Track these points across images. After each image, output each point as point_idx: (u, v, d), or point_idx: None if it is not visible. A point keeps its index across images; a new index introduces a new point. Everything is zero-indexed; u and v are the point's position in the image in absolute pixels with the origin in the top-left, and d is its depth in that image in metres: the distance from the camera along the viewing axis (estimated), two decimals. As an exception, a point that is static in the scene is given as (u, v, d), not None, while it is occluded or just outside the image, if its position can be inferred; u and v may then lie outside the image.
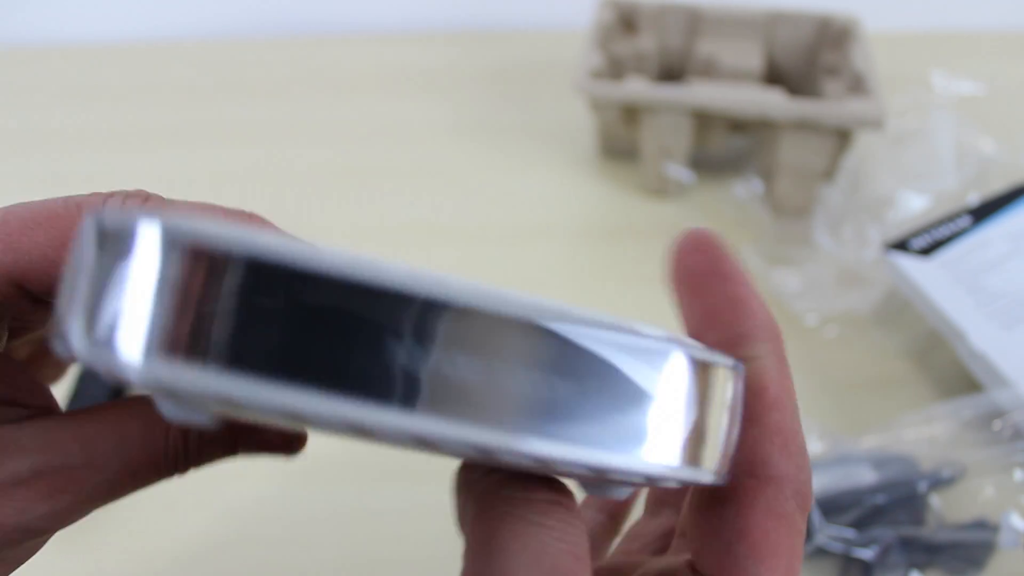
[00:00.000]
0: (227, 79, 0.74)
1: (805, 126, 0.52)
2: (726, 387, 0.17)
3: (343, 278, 0.14)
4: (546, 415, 0.15)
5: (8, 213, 0.18)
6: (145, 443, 0.19)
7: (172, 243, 0.14)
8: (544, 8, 0.80)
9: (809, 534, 0.35)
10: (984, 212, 0.47)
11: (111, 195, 0.19)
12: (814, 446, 0.38)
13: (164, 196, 0.20)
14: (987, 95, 0.66)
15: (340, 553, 0.39)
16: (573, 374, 0.15)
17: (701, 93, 0.53)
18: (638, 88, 0.54)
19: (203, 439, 0.20)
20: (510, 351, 0.15)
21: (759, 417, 0.18)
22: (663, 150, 0.56)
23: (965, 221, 0.47)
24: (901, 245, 0.46)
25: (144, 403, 0.19)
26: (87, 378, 0.41)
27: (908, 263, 0.46)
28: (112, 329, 0.14)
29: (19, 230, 0.18)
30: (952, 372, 0.45)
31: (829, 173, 0.54)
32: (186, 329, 0.13)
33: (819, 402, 0.45)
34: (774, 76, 0.62)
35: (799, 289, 0.50)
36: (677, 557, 0.19)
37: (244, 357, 0.13)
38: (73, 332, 0.14)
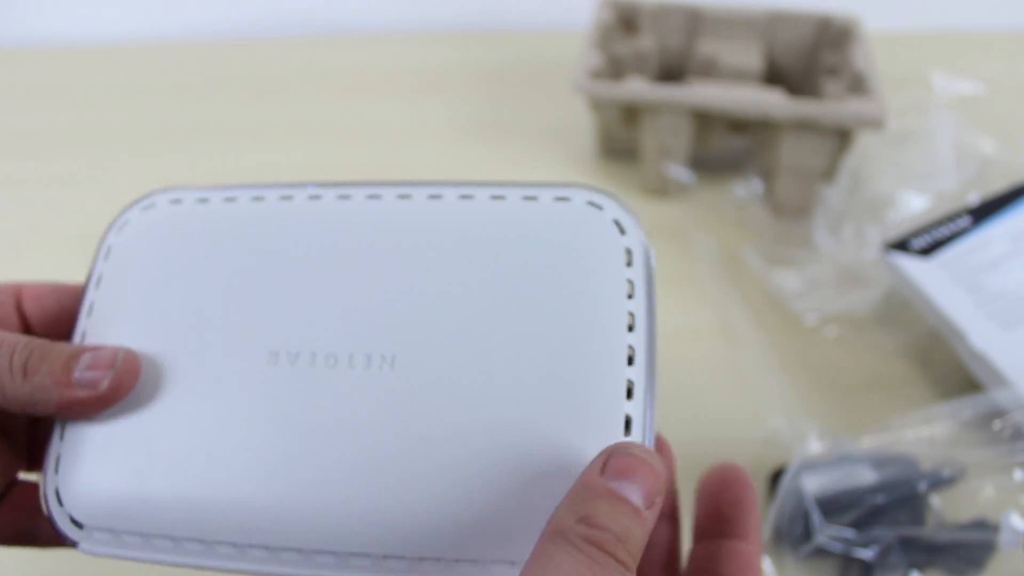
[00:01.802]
0: (227, 79, 0.74)
1: (805, 126, 0.52)
2: None
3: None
4: None
5: None
6: None
7: None
8: (544, 8, 0.80)
9: (809, 534, 0.35)
10: (984, 212, 0.47)
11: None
12: (814, 446, 0.38)
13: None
14: (987, 95, 0.66)
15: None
16: None
17: (701, 93, 0.53)
18: (638, 88, 0.54)
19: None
20: None
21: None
22: (663, 150, 0.56)
23: (965, 221, 0.47)
24: (901, 245, 0.46)
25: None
26: None
27: (908, 263, 0.46)
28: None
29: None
30: (952, 372, 0.45)
31: (829, 173, 0.54)
32: None
33: (819, 402, 0.45)
34: (774, 76, 0.62)
35: (799, 289, 0.50)
36: None
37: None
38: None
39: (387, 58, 0.76)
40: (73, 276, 0.54)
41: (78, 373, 0.22)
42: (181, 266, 0.24)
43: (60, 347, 0.22)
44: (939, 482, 0.36)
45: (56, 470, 0.22)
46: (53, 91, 0.73)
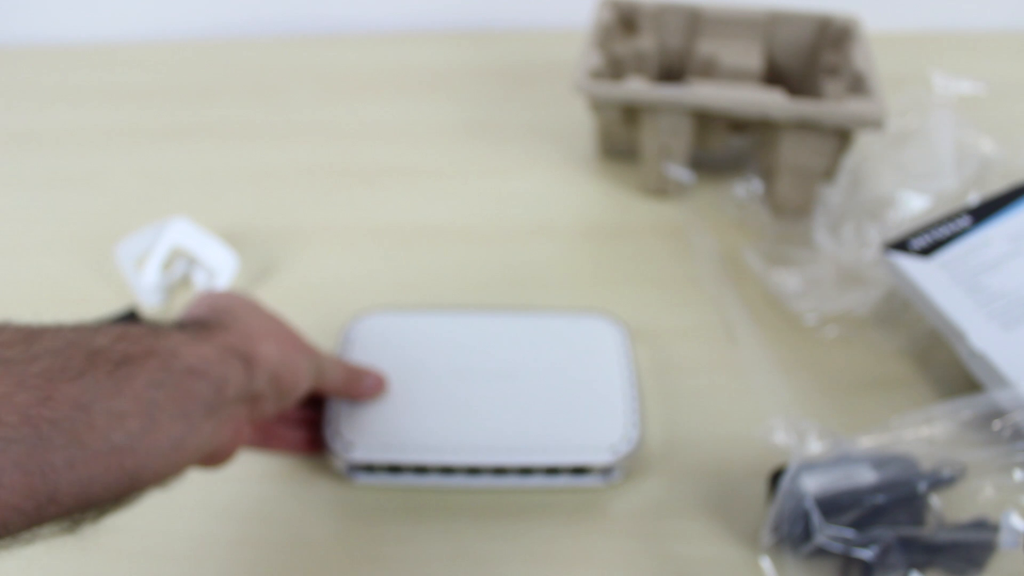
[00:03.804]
0: (227, 79, 0.74)
1: (805, 126, 0.52)
2: None
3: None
4: None
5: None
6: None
7: None
8: (544, 8, 0.80)
9: (809, 534, 0.35)
10: (984, 212, 0.47)
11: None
12: (814, 446, 0.38)
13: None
14: (987, 95, 0.66)
15: (340, 552, 0.39)
16: None
17: (701, 93, 0.53)
18: (638, 88, 0.54)
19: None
20: None
21: None
22: (663, 150, 0.56)
23: (965, 221, 0.47)
24: (901, 245, 0.46)
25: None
26: None
27: (908, 263, 0.46)
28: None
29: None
30: (952, 372, 0.45)
31: (829, 173, 0.54)
32: None
33: (819, 402, 0.45)
34: (774, 76, 0.62)
35: (799, 289, 0.50)
36: None
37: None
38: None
39: (387, 58, 0.77)
40: (72, 276, 0.54)
41: (366, 377, 0.41)
42: (397, 339, 0.45)
43: (359, 367, 0.42)
44: (939, 482, 0.36)
45: (339, 427, 0.40)
46: (53, 91, 0.73)
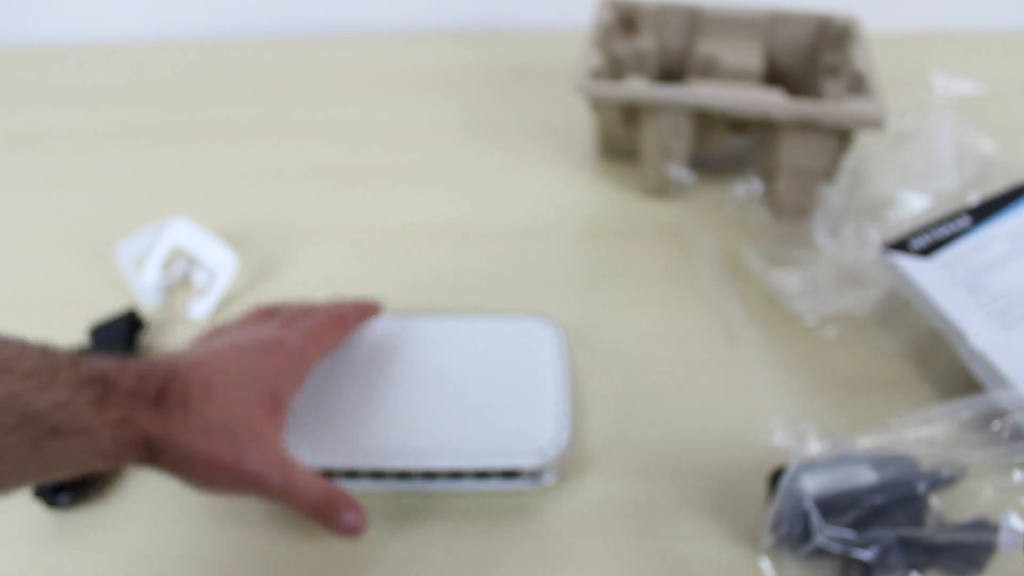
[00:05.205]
0: (227, 79, 0.74)
1: (805, 126, 0.52)
2: None
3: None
4: None
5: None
6: None
7: None
8: (544, 8, 0.80)
9: (809, 534, 0.35)
10: (984, 212, 0.47)
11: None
12: (814, 446, 0.38)
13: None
14: (987, 95, 0.66)
15: (340, 552, 0.39)
16: None
17: (701, 93, 0.53)
18: (638, 88, 0.54)
19: None
20: None
21: None
22: (663, 150, 0.56)
23: (965, 221, 0.47)
24: (901, 245, 0.46)
25: None
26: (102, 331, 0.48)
27: (908, 263, 0.46)
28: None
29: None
30: (952, 372, 0.45)
31: (829, 173, 0.54)
32: None
33: (819, 402, 0.45)
34: (774, 76, 0.62)
35: (799, 289, 0.50)
36: None
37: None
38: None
39: (388, 58, 0.77)
40: (72, 276, 0.54)
41: (347, 513, 0.36)
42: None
43: (342, 496, 0.37)
44: (939, 482, 0.36)
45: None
46: (53, 91, 0.73)
